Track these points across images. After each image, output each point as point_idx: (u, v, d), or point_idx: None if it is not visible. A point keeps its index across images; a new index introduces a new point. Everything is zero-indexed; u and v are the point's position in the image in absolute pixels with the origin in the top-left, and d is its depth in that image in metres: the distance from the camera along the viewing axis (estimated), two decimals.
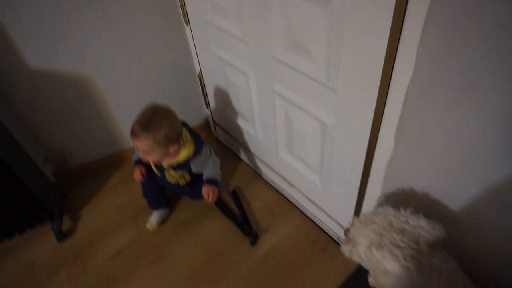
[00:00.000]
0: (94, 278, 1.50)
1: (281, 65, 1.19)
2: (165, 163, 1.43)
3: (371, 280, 0.93)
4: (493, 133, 0.73)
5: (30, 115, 1.63)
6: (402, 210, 0.89)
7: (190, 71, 1.88)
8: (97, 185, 1.90)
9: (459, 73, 0.72)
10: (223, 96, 1.74)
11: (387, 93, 0.88)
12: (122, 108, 1.82)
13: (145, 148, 1.30)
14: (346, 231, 1.01)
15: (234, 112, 1.73)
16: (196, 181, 1.57)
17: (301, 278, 1.44)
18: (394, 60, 0.81)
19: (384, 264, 0.85)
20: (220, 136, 2.07)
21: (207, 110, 2.02)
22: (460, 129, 0.79)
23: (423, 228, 0.84)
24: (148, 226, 1.65)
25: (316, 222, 1.61)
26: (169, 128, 1.29)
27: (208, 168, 1.52)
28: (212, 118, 2.03)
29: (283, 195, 1.75)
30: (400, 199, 1.07)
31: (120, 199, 1.82)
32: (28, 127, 1.66)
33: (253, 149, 1.79)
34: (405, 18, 0.74)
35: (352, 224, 0.97)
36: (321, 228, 1.59)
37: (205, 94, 1.93)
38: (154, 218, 1.66)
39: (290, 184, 1.64)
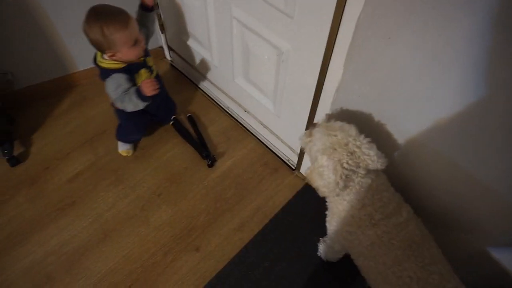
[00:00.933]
0: (53, 200, 1.54)
1: None
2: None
3: (307, 171, 1.07)
4: (429, 62, 0.83)
5: None
6: (362, 136, 1.00)
7: None
8: (46, 110, 1.84)
9: (403, 5, 0.79)
10: (178, 20, 1.69)
11: (339, 22, 0.94)
12: (68, 28, 1.71)
13: (136, 31, 1.24)
14: (313, 125, 1.10)
15: (190, 37, 1.71)
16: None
17: (254, 195, 1.59)
18: None
19: (325, 171, 0.98)
20: (175, 62, 2.04)
21: (161, 34, 1.96)
22: (402, 58, 0.88)
23: (370, 157, 0.97)
24: (124, 153, 1.67)
25: (269, 146, 1.72)
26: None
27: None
28: (167, 43, 1.97)
29: (238, 121, 1.83)
30: (345, 120, 1.19)
31: (73, 124, 1.80)
32: None
33: (209, 75, 1.81)
34: None
35: (320, 124, 1.07)
36: (273, 152, 1.72)
37: (159, 17, 1.85)
38: (128, 145, 1.68)
39: (245, 110, 1.71)
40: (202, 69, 1.83)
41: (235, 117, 1.83)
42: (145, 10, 1.41)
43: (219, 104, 1.88)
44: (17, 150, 1.68)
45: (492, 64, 0.72)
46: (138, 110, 1.40)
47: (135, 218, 1.50)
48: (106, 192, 1.57)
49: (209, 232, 1.48)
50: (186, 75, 2.02)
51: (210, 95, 1.92)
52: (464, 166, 0.94)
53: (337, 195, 1.03)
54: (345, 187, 0.99)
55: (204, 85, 1.91)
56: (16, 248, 1.41)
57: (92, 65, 1.57)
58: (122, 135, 1.65)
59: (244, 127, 1.81)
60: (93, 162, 1.66)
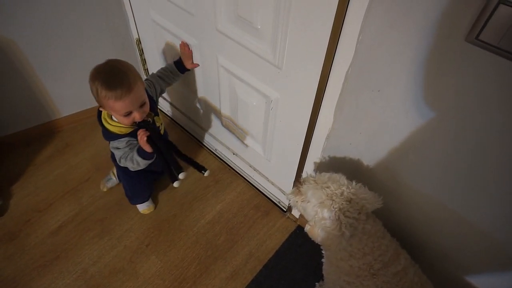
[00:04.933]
0: (35, 256, 1.46)
1: (227, 39, 1.19)
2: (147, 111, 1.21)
3: (307, 228, 1.05)
4: (417, 116, 0.85)
5: None
6: (353, 183, 1.00)
7: (126, 37, 1.78)
8: (27, 158, 1.78)
9: (393, 61, 0.81)
10: (164, 65, 1.69)
11: (328, 73, 0.96)
12: (49, 73, 1.68)
13: (138, 99, 1.11)
14: (298, 182, 1.09)
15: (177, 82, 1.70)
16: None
17: (246, 240, 1.55)
18: (337, 43, 0.88)
19: (327, 223, 0.97)
20: (162, 105, 2.03)
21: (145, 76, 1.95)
22: (390, 108, 0.90)
23: (367, 200, 0.97)
24: (146, 211, 1.62)
25: (259, 188, 1.70)
26: (130, 65, 1.15)
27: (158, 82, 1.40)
28: None
29: (226, 163, 1.81)
30: (335, 165, 1.19)
31: (56, 172, 1.74)
32: None
33: (196, 118, 1.80)
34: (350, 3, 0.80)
35: (306, 181, 1.06)
36: (263, 194, 1.70)
37: (143, 62, 1.85)
38: (147, 202, 1.62)
39: (234, 153, 1.70)
40: (188, 113, 1.82)
41: (224, 159, 1.81)
42: (181, 70, 1.40)
43: (207, 146, 1.87)
44: None
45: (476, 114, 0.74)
46: (141, 170, 1.30)
47: (122, 272, 1.44)
48: (91, 244, 1.50)
49: (201, 282, 1.42)
50: (171, 118, 2.01)
51: (197, 137, 1.90)
52: (452, 207, 0.95)
53: (342, 246, 1.00)
54: (351, 236, 0.97)
55: (191, 128, 1.90)
56: None
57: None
58: (132, 197, 1.57)
59: (232, 169, 1.79)
60: (77, 212, 1.60)
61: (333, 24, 0.84)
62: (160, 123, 1.33)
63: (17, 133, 1.78)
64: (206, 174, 1.22)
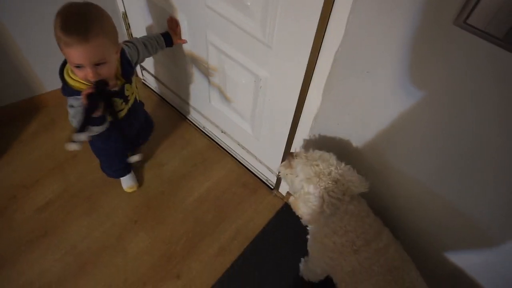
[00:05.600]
0: (22, 232, 1.46)
1: (216, 15, 1.17)
2: (114, 74, 1.09)
3: (291, 199, 1.08)
4: (405, 97, 0.86)
5: None
6: (342, 164, 1.02)
7: (112, 10, 1.72)
8: (12, 134, 1.75)
9: (382, 42, 0.81)
10: None
11: (318, 53, 0.95)
12: (32, 48, 1.63)
13: (95, 55, 0.95)
14: (291, 155, 1.11)
15: (164, 58, 1.68)
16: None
17: (234, 217, 1.57)
18: (327, 22, 0.87)
19: (310, 199, 1.00)
20: (149, 81, 2.00)
21: None
22: (378, 90, 0.90)
23: (354, 183, 0.99)
24: (129, 189, 1.60)
25: (247, 166, 1.72)
26: (108, 16, 0.99)
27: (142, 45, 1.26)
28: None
29: (215, 141, 1.81)
30: (324, 145, 1.21)
31: (42, 149, 1.72)
32: None
33: (184, 95, 1.78)
34: None
35: (297, 155, 1.08)
36: (251, 172, 1.71)
37: (130, 37, 1.81)
38: (129, 180, 1.60)
39: (222, 131, 1.70)
40: (176, 90, 1.80)
41: (212, 137, 1.81)
42: (168, 43, 1.34)
43: (195, 124, 1.86)
44: None
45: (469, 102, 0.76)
46: (112, 139, 1.27)
47: (111, 248, 1.45)
48: (80, 221, 1.51)
49: (189, 258, 1.45)
50: (159, 95, 1.99)
51: (185, 115, 1.89)
52: (436, 190, 0.98)
53: (322, 223, 1.04)
54: (331, 215, 1.00)
55: (179, 105, 1.88)
56: None
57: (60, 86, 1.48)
58: (109, 170, 1.54)
59: (221, 147, 1.79)
60: (64, 189, 1.59)
61: (323, 4, 0.83)
62: (132, 92, 1.20)
63: (1, 107, 1.74)
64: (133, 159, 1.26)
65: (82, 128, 0.96)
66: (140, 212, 1.56)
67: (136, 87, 1.26)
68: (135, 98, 1.26)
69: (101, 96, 1.02)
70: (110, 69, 1.03)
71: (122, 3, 1.66)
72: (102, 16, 0.97)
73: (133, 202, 1.58)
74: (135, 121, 1.31)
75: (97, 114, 1.03)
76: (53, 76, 1.78)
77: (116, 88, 1.11)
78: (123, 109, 1.20)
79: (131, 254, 1.44)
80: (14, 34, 1.55)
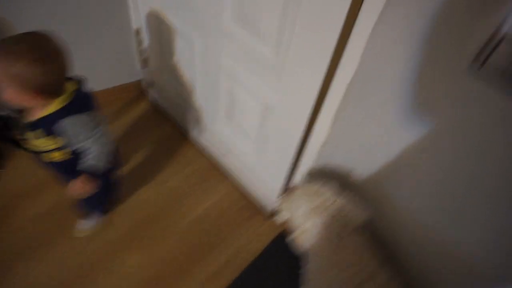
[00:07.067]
0: (15, 243, 1.41)
1: (230, 37, 1.19)
2: (28, 113, 1.00)
3: (293, 236, 1.05)
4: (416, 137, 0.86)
5: None
6: (343, 195, 1.01)
7: (125, 25, 1.75)
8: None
9: (395, 76, 0.82)
10: (162, 58, 1.68)
11: (331, 82, 0.96)
12: None
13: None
14: (289, 190, 1.09)
15: (173, 76, 1.69)
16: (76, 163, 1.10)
17: (230, 241, 1.54)
18: (343, 53, 0.88)
19: (312, 234, 0.98)
20: (155, 97, 2.01)
21: (141, 69, 1.93)
22: (387, 125, 0.91)
23: (355, 213, 0.98)
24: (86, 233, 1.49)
25: (247, 190, 1.70)
26: (41, 70, 0.87)
27: (93, 145, 1.05)
28: (148, 79, 1.95)
29: (216, 163, 1.80)
30: (328, 173, 1.20)
31: None
32: None
33: (189, 115, 1.78)
34: (359, 13, 0.80)
35: (296, 189, 1.07)
36: (251, 196, 1.69)
37: (141, 52, 1.83)
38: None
39: (224, 153, 1.69)
40: (182, 108, 1.80)
41: (214, 158, 1.80)
42: None
43: (197, 143, 1.85)
44: None
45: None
46: None
47: (103, 265, 1.40)
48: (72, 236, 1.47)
49: (180, 281, 1.40)
50: (164, 111, 1.99)
51: (188, 133, 1.89)
52: (437, 227, 0.96)
53: (325, 255, 1.01)
54: (337, 246, 0.97)
55: (183, 123, 1.88)
56: None
57: None
58: (97, 204, 1.44)
59: (221, 169, 1.77)
60: (60, 201, 1.55)
61: (339, 35, 0.85)
62: (35, 145, 1.06)
63: None
64: None
65: None
66: (136, 231, 1.52)
67: (57, 149, 1.07)
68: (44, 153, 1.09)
69: None
70: (7, 98, 0.92)
71: (136, 20, 1.68)
72: (22, 60, 0.85)
73: (129, 220, 1.54)
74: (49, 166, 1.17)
75: None
76: None
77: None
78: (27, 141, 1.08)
79: (122, 272, 1.39)
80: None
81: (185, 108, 1.78)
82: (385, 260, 1.06)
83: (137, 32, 1.73)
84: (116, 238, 1.49)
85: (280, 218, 1.56)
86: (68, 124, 0.99)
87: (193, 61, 1.45)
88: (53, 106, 0.97)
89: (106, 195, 1.41)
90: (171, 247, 1.49)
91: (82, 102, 1.04)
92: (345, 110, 0.98)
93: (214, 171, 1.78)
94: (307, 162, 1.23)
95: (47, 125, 0.99)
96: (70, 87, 1.01)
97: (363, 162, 1.07)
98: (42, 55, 0.87)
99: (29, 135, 1.04)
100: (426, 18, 0.70)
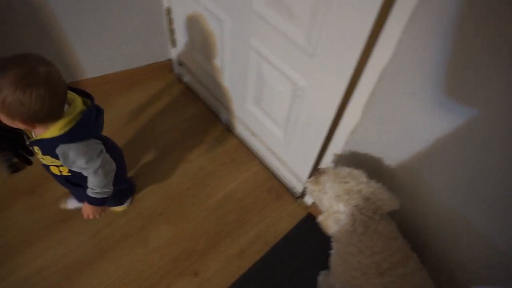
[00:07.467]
0: (52, 211, 1.51)
1: (261, 20, 1.16)
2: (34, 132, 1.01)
3: (320, 218, 1.06)
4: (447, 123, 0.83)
5: None
6: (373, 181, 1.00)
7: (156, 4, 1.75)
8: None
9: (433, 65, 0.79)
10: (192, 38, 1.68)
11: (363, 69, 0.93)
12: (78, 34, 1.68)
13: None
14: (317, 172, 1.09)
15: (203, 56, 1.69)
16: (81, 179, 1.11)
17: (256, 221, 1.57)
18: (377, 39, 0.85)
19: (340, 217, 0.98)
20: (184, 76, 2.02)
21: (172, 48, 1.94)
22: (420, 113, 0.88)
23: (385, 201, 0.97)
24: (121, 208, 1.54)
25: (274, 171, 1.71)
26: (28, 97, 0.82)
27: (90, 176, 1.06)
28: (178, 58, 1.96)
29: (244, 143, 1.81)
30: (356, 161, 1.18)
31: None
32: None
33: (218, 94, 1.79)
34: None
35: (325, 172, 1.06)
36: (277, 178, 1.70)
37: (171, 32, 1.83)
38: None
39: (253, 134, 1.70)
40: (211, 88, 1.81)
41: (241, 139, 1.81)
42: None
43: (226, 123, 1.87)
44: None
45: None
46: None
47: (133, 237, 1.48)
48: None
49: (208, 257, 1.46)
50: (193, 90, 2.01)
51: (217, 113, 1.90)
52: (470, 220, 0.94)
53: (348, 241, 1.02)
54: (362, 234, 0.98)
55: (212, 103, 1.89)
56: (9, 261, 1.38)
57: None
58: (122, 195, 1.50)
59: (249, 149, 1.79)
60: None
61: (375, 19, 0.81)
62: (43, 159, 1.05)
63: None
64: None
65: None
66: (164, 206, 1.58)
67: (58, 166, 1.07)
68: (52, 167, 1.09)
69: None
70: (4, 122, 0.91)
71: None
72: (12, 86, 0.81)
73: (158, 196, 1.60)
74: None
75: None
76: (95, 63, 1.85)
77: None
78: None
79: (151, 246, 1.46)
80: (61, 20, 1.59)
81: (214, 88, 1.79)
82: (412, 250, 1.06)
83: (168, 11, 1.73)
84: (145, 213, 1.55)
85: (309, 199, 1.57)
86: (67, 151, 0.96)
87: (223, 42, 1.44)
88: (53, 130, 0.93)
89: (117, 202, 1.49)
90: (198, 223, 1.54)
91: (86, 127, 0.99)
92: (377, 97, 0.96)
93: (242, 152, 1.80)
94: (335, 148, 1.22)
95: (47, 147, 0.98)
96: (77, 107, 0.96)
97: (393, 151, 1.05)
98: (30, 82, 0.82)
99: (36, 149, 1.02)
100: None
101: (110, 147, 1.16)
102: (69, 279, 1.36)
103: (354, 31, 0.88)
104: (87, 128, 1.00)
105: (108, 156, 1.08)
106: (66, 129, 0.93)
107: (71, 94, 0.98)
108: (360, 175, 1.03)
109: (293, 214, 1.60)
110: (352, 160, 1.19)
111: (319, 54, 1.03)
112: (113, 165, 1.11)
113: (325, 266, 1.24)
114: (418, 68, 0.82)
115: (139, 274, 1.40)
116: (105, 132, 1.68)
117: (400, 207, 1.01)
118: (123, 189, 1.45)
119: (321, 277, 1.39)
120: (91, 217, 1.21)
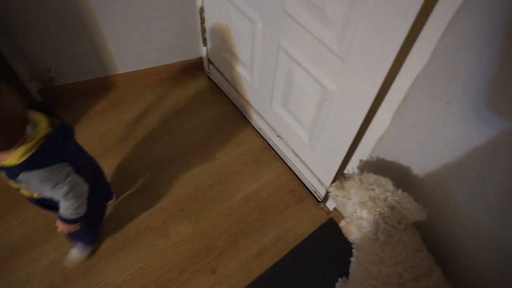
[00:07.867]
0: None
1: (292, 21, 1.16)
2: None
3: (343, 223, 1.04)
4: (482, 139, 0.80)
5: (16, 29, 1.53)
6: (399, 190, 0.97)
7: (189, 3, 1.78)
8: (82, 109, 1.88)
9: (469, 73, 0.76)
10: (223, 37, 1.69)
11: (396, 74, 0.91)
12: (113, 30, 1.73)
13: None
14: (342, 177, 1.08)
15: (232, 55, 1.70)
16: (53, 202, 1.05)
17: (277, 222, 1.57)
18: (413, 45, 0.83)
19: (363, 224, 0.96)
20: (213, 75, 2.05)
21: (203, 47, 1.96)
22: (455, 123, 0.85)
23: (410, 211, 0.95)
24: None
25: (297, 174, 1.70)
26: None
27: (61, 200, 1.02)
28: (208, 56, 1.98)
29: (269, 144, 1.81)
30: (382, 168, 1.16)
31: (106, 126, 1.82)
32: (15, 42, 1.57)
33: (245, 94, 1.80)
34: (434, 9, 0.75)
35: (351, 177, 1.05)
36: (300, 181, 1.69)
37: (203, 30, 1.86)
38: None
39: (278, 135, 1.70)
40: (239, 87, 1.82)
41: (267, 140, 1.81)
42: None
43: (252, 123, 1.88)
44: None
45: None
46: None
47: (155, 230, 1.51)
48: (130, 200, 1.58)
49: (227, 255, 1.47)
50: (221, 89, 2.02)
51: (243, 113, 1.91)
52: (501, 237, 0.90)
53: (370, 249, 1.00)
54: (384, 243, 0.96)
55: (239, 102, 1.91)
56: (36, 247, 1.43)
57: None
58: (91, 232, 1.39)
59: (274, 151, 1.79)
60: (119, 167, 1.67)
61: (412, 24, 0.80)
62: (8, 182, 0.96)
63: (76, 83, 1.87)
64: None
65: None
66: (188, 201, 1.60)
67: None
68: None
69: None
70: None
71: None
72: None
73: (182, 191, 1.63)
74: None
75: None
76: (127, 59, 1.90)
77: None
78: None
79: (173, 240, 1.49)
80: (99, 16, 1.65)
81: (242, 88, 1.80)
82: (436, 263, 1.03)
83: (201, 10, 1.76)
84: (169, 207, 1.58)
85: (331, 204, 1.55)
86: (29, 179, 0.91)
87: (253, 42, 1.45)
88: (12, 158, 0.87)
89: (90, 228, 1.34)
90: (219, 221, 1.55)
91: (50, 152, 0.92)
92: (408, 105, 0.94)
93: (267, 152, 1.80)
94: (361, 154, 1.20)
95: (9, 174, 0.92)
96: (41, 130, 0.90)
97: (423, 160, 1.02)
98: None
99: (2, 174, 0.95)
100: None
101: (83, 167, 1.07)
102: (93, 267, 1.40)
103: (389, 36, 0.87)
104: (50, 153, 0.92)
105: (77, 178, 1.01)
106: (26, 156, 0.87)
107: (36, 116, 0.92)
108: (386, 183, 1.01)
109: (314, 217, 1.59)
110: (379, 167, 1.17)
111: (351, 58, 1.02)
112: (85, 187, 1.06)
113: (344, 273, 1.22)
114: (457, 76, 0.79)
115: (159, 266, 1.42)
116: (136, 127, 1.72)
117: (426, 219, 0.98)
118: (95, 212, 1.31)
119: (339, 284, 1.37)
120: (65, 231, 1.15)
